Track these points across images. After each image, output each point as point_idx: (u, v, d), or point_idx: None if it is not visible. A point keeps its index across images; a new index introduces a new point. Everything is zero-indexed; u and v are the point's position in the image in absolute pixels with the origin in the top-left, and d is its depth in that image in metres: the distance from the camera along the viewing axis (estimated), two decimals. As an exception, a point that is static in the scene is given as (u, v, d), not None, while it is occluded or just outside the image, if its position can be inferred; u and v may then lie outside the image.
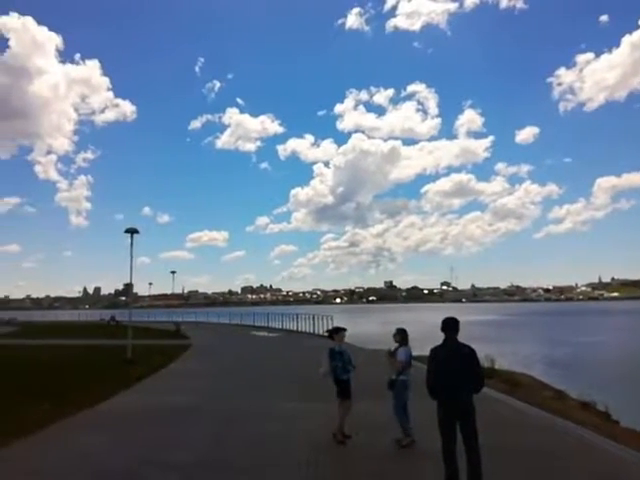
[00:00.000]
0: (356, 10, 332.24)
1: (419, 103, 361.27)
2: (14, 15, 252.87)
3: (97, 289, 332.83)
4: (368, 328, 49.81)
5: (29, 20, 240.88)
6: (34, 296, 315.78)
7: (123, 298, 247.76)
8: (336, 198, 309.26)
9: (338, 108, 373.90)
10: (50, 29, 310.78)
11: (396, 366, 7.39)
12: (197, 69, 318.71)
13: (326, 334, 9.01)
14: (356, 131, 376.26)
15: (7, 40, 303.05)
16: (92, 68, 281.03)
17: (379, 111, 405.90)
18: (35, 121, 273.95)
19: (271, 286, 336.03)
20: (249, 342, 29.70)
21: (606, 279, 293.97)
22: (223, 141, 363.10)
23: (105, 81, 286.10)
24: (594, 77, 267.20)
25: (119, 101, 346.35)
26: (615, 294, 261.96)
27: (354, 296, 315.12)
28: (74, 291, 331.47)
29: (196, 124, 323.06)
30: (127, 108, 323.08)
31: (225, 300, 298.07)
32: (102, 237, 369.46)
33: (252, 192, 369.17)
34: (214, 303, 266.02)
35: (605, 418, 11.98)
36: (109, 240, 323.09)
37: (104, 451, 7.43)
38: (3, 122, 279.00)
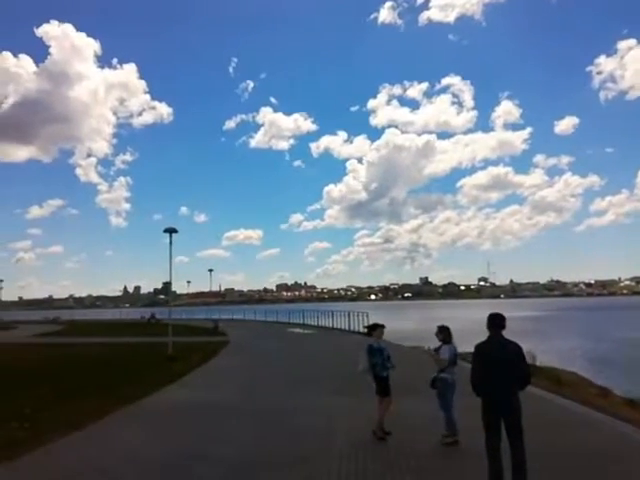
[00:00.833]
0: (389, 4, 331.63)
1: (454, 96, 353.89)
2: (54, 23, 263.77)
3: (137, 288, 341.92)
4: (404, 325, 49.44)
5: (69, 27, 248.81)
6: (77, 295, 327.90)
7: (162, 296, 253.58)
8: (369, 194, 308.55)
9: (371, 103, 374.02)
10: (88, 35, 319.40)
11: (440, 363, 7.37)
12: (231, 69, 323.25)
13: (365, 330, 9.02)
14: (389, 126, 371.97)
15: (48, 47, 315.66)
16: (129, 72, 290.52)
17: (413, 105, 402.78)
18: (76, 125, 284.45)
19: (305, 283, 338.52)
20: (285, 339, 29.92)
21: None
22: (257, 140, 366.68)
23: (142, 84, 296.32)
24: (636, 64, 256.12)
25: (156, 103, 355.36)
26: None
27: (389, 293, 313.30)
28: (115, 290, 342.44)
29: (230, 124, 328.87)
30: (164, 110, 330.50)
31: (260, 297, 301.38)
32: (141, 237, 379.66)
33: (286, 190, 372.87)
34: (250, 301, 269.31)
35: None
36: (148, 240, 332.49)
37: (150, 444, 7.67)
38: (46, 127, 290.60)
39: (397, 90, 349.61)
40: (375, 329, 8.08)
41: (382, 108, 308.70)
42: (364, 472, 6.21)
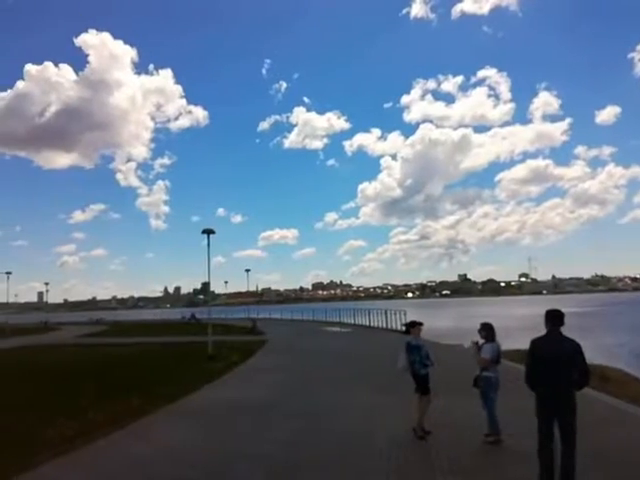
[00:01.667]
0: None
1: (490, 89, 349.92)
2: (92, 32, 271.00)
3: (177, 288, 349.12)
4: (442, 323, 48.75)
5: (106, 36, 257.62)
6: (119, 297, 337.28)
7: (201, 296, 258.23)
8: (404, 191, 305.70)
9: (404, 99, 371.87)
10: (125, 42, 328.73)
11: (481, 362, 7.20)
12: (264, 71, 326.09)
13: (403, 328, 8.92)
14: (424, 121, 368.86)
15: (87, 56, 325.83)
16: (165, 77, 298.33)
17: (448, 99, 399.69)
18: (115, 131, 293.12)
19: (341, 282, 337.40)
20: (323, 337, 29.98)
21: None
22: (291, 140, 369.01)
23: (178, 89, 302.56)
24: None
25: (192, 107, 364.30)
26: None
27: (426, 290, 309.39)
28: (156, 291, 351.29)
29: (264, 125, 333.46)
30: (199, 114, 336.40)
31: (297, 297, 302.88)
32: (180, 239, 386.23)
33: (320, 189, 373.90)
34: (286, 300, 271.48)
35: None
36: (187, 241, 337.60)
37: (191, 443, 7.78)
38: (87, 134, 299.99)
39: (431, 84, 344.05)
40: (413, 327, 8.00)
41: (416, 103, 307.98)
42: (405, 472, 6.13)
